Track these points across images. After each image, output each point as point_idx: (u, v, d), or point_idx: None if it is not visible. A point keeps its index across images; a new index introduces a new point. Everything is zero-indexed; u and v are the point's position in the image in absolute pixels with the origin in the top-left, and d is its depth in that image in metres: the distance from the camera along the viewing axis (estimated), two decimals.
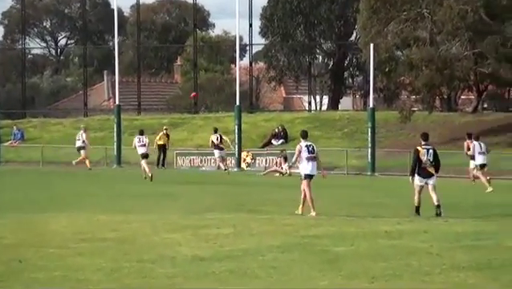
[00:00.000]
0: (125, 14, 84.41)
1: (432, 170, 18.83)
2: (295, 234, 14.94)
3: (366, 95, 52.54)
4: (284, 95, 73.86)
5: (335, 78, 60.28)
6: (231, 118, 44.67)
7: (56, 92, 76.10)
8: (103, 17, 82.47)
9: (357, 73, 61.55)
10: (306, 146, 19.09)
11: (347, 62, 61.36)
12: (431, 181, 18.84)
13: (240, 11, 43.53)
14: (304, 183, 18.93)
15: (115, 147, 42.66)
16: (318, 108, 62.46)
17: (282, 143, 44.76)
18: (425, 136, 19.25)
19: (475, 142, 28.44)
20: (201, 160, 42.18)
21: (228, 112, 50.01)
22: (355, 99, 65.13)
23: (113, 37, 50.13)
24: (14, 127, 49.09)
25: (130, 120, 48.51)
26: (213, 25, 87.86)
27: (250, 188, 28.42)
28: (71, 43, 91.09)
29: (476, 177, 28.52)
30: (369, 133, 39.85)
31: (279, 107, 68.87)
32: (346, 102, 62.59)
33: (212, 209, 19.66)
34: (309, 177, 18.96)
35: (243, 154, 41.94)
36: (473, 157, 28.35)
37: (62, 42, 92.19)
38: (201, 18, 79.07)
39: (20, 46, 65.97)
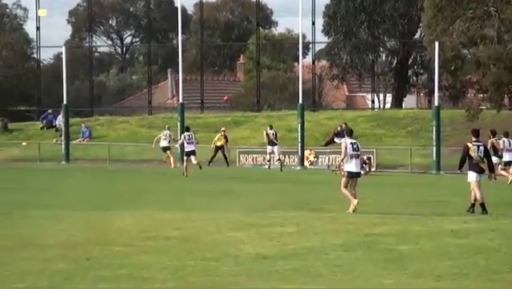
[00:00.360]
0: (189, 12, 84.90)
1: (484, 166, 18.93)
2: (359, 232, 14.85)
3: (431, 94, 52.01)
4: (347, 93, 73.52)
5: (399, 76, 59.79)
6: (294, 116, 44.63)
7: (122, 90, 76.98)
8: (167, 15, 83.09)
9: (421, 71, 60.94)
10: (352, 143, 19.12)
11: (411, 60, 60.80)
12: (482, 178, 18.98)
13: (303, 9, 43.52)
14: (344, 181, 18.95)
15: (178, 145, 42.89)
16: (381, 107, 62.04)
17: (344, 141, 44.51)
18: (476, 133, 19.32)
19: (504, 139, 28.69)
20: (264, 159, 42.20)
21: (291, 110, 49.97)
22: (419, 97, 64.52)
23: (177, 35, 50.48)
24: (83, 125, 49.75)
25: (193, 118, 48.77)
26: (276, 23, 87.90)
27: (314, 186, 28.34)
28: (136, 41, 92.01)
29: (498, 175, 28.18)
30: (434, 131, 39.49)
31: (342, 106, 68.57)
32: (410, 100, 62.05)
33: (275, 207, 19.64)
34: (351, 174, 18.93)
35: (306, 152, 41.85)
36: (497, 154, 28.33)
37: (128, 40, 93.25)
38: (264, 17, 79.13)
39: (87, 45, 66.78)
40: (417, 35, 58.43)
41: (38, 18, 55.72)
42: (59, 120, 48.91)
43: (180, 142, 34.02)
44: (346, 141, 19.25)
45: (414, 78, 62.31)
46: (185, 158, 32.31)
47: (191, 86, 59.86)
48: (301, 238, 14.16)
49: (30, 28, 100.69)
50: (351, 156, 18.97)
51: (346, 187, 18.94)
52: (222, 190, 25.44)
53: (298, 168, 40.92)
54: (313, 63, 56.21)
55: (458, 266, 11.34)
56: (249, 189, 26.32)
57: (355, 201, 18.68)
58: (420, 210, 19.33)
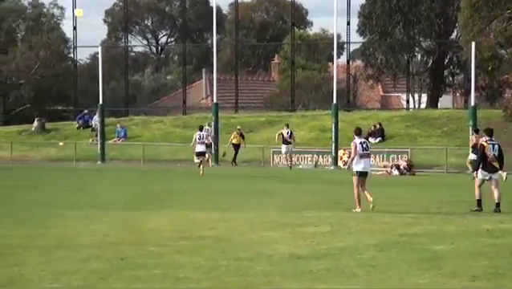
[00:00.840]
0: (224, 11, 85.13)
1: (496, 165, 19.25)
2: (393, 232, 14.79)
3: (467, 94, 51.71)
4: (381, 93, 73.25)
5: (435, 76, 59.44)
6: (328, 116, 44.54)
7: (156, 90, 77.34)
8: (202, 15, 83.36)
9: (457, 71, 60.56)
10: (361, 143, 19.26)
11: (447, 60, 60.43)
12: (495, 176, 19.23)
13: (338, 9, 43.36)
14: (355, 180, 19.01)
15: (212, 145, 43.00)
16: (416, 107, 61.71)
17: (379, 141, 44.42)
18: (490, 132, 19.67)
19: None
20: (298, 158, 42.17)
21: (325, 110, 49.86)
22: (455, 97, 64.09)
23: (212, 35, 50.53)
24: (118, 125, 50.01)
25: (227, 118, 48.86)
26: (311, 23, 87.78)
27: (347, 186, 28.20)
28: (171, 41, 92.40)
29: None
30: (470, 131, 39.18)
31: (376, 106, 68.32)
32: (445, 100, 61.66)
33: (309, 207, 19.62)
34: (361, 173, 19.01)
35: (340, 152, 41.74)
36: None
37: (163, 40, 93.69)
38: (299, 16, 79.04)
39: (123, 45, 67.14)
40: (454, 35, 58.09)
41: (74, 18, 56.14)
42: (95, 120, 49.22)
43: (193, 142, 34.38)
44: (355, 141, 19.32)
45: (450, 78, 61.93)
46: (196, 158, 32.81)
47: (225, 86, 59.99)
48: (335, 237, 14.13)
49: (66, 28, 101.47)
50: (361, 156, 19.10)
51: (358, 187, 19.05)
52: (256, 190, 25.46)
53: (332, 168, 40.84)
54: (347, 62, 56.05)
55: (494, 265, 11.25)
56: (282, 188, 26.31)
57: (370, 199, 18.80)
58: (455, 210, 19.22)
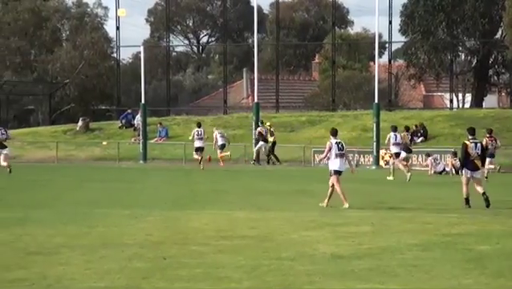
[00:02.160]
0: (265, 11, 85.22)
1: (479, 163, 19.81)
2: (436, 232, 14.71)
3: None
4: (424, 92, 72.80)
5: (479, 75, 58.95)
6: (369, 116, 44.38)
7: (198, 90, 77.64)
8: (243, 15, 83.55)
9: (503, 71, 60.02)
10: (336, 143, 20.10)
11: (491, 59, 59.90)
12: (478, 175, 19.86)
13: (380, 9, 43.22)
14: (333, 178, 19.89)
15: (253, 144, 43.08)
16: (460, 106, 61.25)
17: (421, 141, 44.18)
18: (472, 131, 20.30)
19: (392, 133, 31.48)
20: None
21: (366, 110, 49.66)
22: (500, 96, 63.48)
23: (253, 34, 50.60)
24: (159, 124, 50.28)
25: (268, 118, 48.82)
26: (352, 22, 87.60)
27: (389, 186, 28.15)
28: (212, 41, 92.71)
29: None
30: None
31: (419, 105, 67.94)
32: (490, 100, 61.09)
33: (350, 206, 19.59)
34: (337, 172, 19.97)
35: (381, 152, 41.57)
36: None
37: (204, 39, 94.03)
38: (340, 16, 78.88)
39: (165, 44, 67.43)
40: (498, 35, 57.54)
41: (117, 18, 56.52)
42: (137, 120, 49.53)
43: (191, 138, 36.08)
44: (331, 141, 20.12)
45: (495, 77, 61.42)
46: (195, 153, 35.48)
47: (266, 85, 60.02)
48: (376, 237, 14.10)
49: (109, 27, 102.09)
50: (336, 156, 19.98)
51: (338, 183, 19.92)
52: (297, 190, 25.46)
53: (374, 167, 40.69)
54: (389, 62, 55.81)
55: None
56: (323, 188, 26.18)
57: (347, 205, 19.48)
58: (500, 210, 19.06)
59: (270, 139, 41.96)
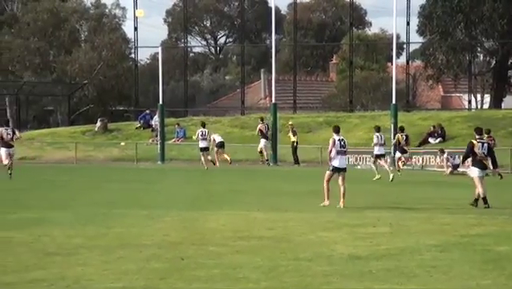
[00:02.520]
0: (282, 12, 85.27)
1: (486, 163, 20.14)
2: (455, 233, 14.68)
3: None
4: (442, 93, 72.56)
5: (498, 76, 58.70)
6: (387, 116, 44.27)
7: (215, 91, 77.74)
8: (260, 15, 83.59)
9: None
10: (339, 140, 20.21)
11: (510, 60, 59.62)
12: (483, 174, 20.09)
13: (397, 9, 43.05)
14: (328, 174, 20.00)
15: (271, 145, 43.05)
16: (479, 107, 61.00)
17: (439, 141, 44.06)
18: (480, 131, 20.67)
19: (377, 133, 31.66)
20: (356, 159, 41.98)
21: (384, 111, 49.53)
22: None
23: (270, 35, 50.59)
24: (177, 125, 50.36)
25: (286, 118, 48.80)
26: (370, 23, 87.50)
27: (407, 186, 28.08)
28: (230, 42, 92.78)
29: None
30: None
31: (437, 106, 67.71)
32: (509, 101, 60.74)
33: (368, 207, 19.56)
34: (336, 169, 20.02)
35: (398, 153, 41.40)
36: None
37: (222, 40, 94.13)
38: (358, 17, 78.81)
39: (182, 45, 67.51)
40: None
41: (135, 19, 56.66)
42: (155, 121, 49.63)
43: (195, 137, 36.55)
44: (334, 138, 20.25)
45: None
46: (201, 153, 36.20)
47: (284, 86, 59.99)
48: (394, 238, 14.07)
49: (127, 28, 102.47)
50: (338, 152, 20.11)
51: (328, 181, 20.03)
52: (314, 190, 25.39)
53: (391, 168, 40.53)
54: (407, 63, 55.64)
55: None
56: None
57: (342, 200, 19.69)
58: None
59: (293, 138, 41.76)
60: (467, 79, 56.90)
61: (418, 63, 65.48)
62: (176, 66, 73.30)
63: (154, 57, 79.42)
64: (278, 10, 72.92)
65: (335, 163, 20.14)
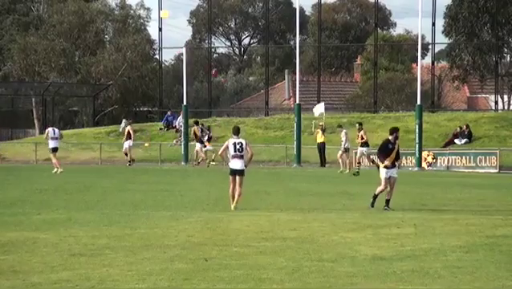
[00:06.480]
0: (306, 13, 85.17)
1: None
2: (480, 234, 14.60)
3: None
4: (468, 94, 72.19)
5: None
6: (411, 117, 44.13)
7: (239, 91, 77.80)
8: (285, 16, 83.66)
9: None
10: (234, 144, 19.69)
11: None
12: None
13: (423, 10, 42.86)
14: (230, 178, 19.70)
15: (294, 146, 43.05)
16: (505, 108, 60.63)
17: (465, 142, 43.82)
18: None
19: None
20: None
21: (408, 112, 49.37)
22: None
23: (295, 36, 50.64)
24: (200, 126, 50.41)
25: (309, 119, 48.79)
26: (395, 24, 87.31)
27: (432, 187, 27.96)
28: (254, 43, 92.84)
29: None
30: None
31: (462, 107, 67.37)
32: None
33: (392, 208, 19.48)
34: (233, 171, 19.61)
35: (424, 153, 41.32)
36: None
37: (246, 41, 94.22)
38: (383, 17, 78.66)
39: (207, 46, 67.66)
40: None
41: (160, 20, 56.80)
42: (179, 121, 49.73)
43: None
44: (229, 140, 19.91)
45: None
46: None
47: (308, 87, 59.97)
48: (419, 239, 14.01)
49: (152, 29, 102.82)
50: (233, 157, 19.64)
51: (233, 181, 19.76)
52: (338, 191, 25.38)
53: (416, 169, 40.44)
54: (432, 64, 55.43)
55: None
56: (364, 190, 26.13)
57: (234, 206, 19.50)
58: None
59: (321, 139, 40.85)
60: (493, 80, 56.60)
61: (443, 63, 65.20)
62: (201, 66, 73.43)
63: (178, 58, 79.68)
64: (302, 11, 72.83)
65: (232, 165, 19.68)
